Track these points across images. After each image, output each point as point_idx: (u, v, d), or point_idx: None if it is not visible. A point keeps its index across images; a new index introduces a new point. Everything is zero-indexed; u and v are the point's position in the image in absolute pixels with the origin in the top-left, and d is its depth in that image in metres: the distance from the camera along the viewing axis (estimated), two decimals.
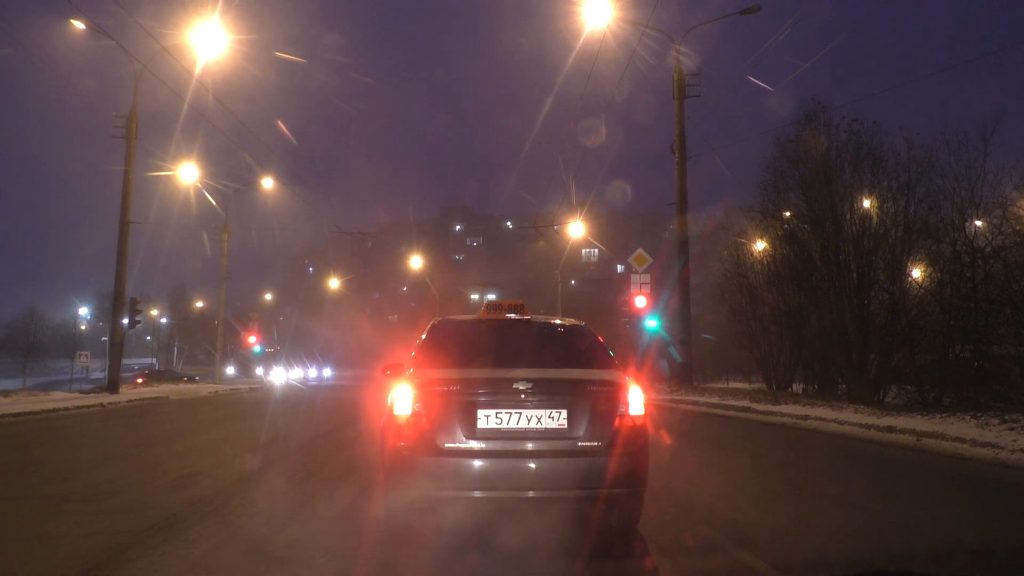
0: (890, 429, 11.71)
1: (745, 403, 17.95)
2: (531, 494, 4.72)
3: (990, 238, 15.89)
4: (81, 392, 25.94)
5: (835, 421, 13.38)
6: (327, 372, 67.74)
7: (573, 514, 5.26)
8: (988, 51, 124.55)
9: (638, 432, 4.94)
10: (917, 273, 17.99)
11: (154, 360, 67.02)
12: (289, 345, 69.95)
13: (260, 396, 28.62)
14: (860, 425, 12.49)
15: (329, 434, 12.99)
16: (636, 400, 5.00)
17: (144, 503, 6.24)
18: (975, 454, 9.50)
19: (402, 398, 4.88)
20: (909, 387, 16.80)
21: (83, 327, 66.42)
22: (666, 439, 11.57)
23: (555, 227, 43.59)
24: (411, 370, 5.19)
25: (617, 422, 4.87)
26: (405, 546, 4.85)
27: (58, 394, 23.70)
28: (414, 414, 4.80)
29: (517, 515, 4.78)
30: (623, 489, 4.79)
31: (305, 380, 57.18)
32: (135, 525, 5.38)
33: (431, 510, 4.77)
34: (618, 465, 4.75)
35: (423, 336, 5.76)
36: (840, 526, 5.77)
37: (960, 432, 10.55)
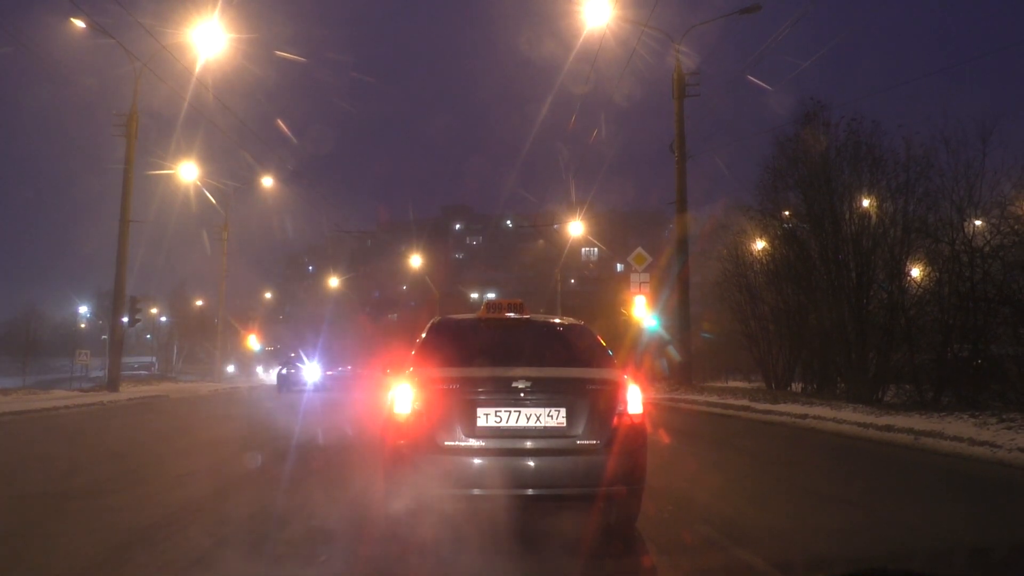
0: (888, 428, 11.72)
1: (744, 402, 17.95)
2: (530, 492, 4.75)
3: (989, 237, 15.89)
4: (81, 390, 25.92)
5: (834, 420, 13.39)
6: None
7: (572, 512, 5.28)
8: (988, 51, 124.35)
9: (637, 431, 4.96)
10: (916, 272, 18.00)
11: (154, 359, 66.89)
12: (288, 344, 69.76)
13: (259, 395, 28.65)
14: (859, 424, 12.50)
15: (329, 431, 13.00)
16: (635, 399, 5.02)
17: (144, 501, 6.26)
18: (973, 453, 9.51)
19: (402, 396, 4.91)
20: (908, 386, 16.82)
21: (83, 325, 66.46)
22: (665, 438, 11.58)
23: (555, 226, 43.66)
24: (411, 369, 5.21)
25: (616, 421, 4.89)
26: (405, 544, 4.86)
27: (58, 392, 23.67)
28: (414, 412, 4.82)
29: (516, 513, 4.80)
30: (622, 487, 4.81)
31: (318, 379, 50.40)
32: (136, 523, 5.41)
33: (430, 508, 4.79)
34: (617, 463, 4.77)
35: (423, 335, 5.77)
36: (838, 525, 5.79)
37: (958, 431, 10.55)
